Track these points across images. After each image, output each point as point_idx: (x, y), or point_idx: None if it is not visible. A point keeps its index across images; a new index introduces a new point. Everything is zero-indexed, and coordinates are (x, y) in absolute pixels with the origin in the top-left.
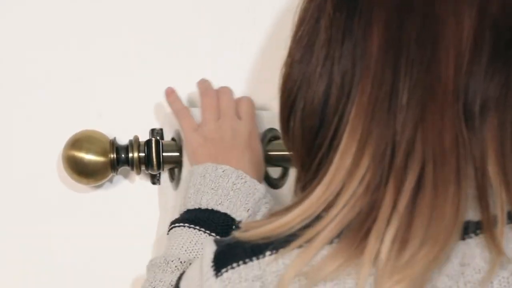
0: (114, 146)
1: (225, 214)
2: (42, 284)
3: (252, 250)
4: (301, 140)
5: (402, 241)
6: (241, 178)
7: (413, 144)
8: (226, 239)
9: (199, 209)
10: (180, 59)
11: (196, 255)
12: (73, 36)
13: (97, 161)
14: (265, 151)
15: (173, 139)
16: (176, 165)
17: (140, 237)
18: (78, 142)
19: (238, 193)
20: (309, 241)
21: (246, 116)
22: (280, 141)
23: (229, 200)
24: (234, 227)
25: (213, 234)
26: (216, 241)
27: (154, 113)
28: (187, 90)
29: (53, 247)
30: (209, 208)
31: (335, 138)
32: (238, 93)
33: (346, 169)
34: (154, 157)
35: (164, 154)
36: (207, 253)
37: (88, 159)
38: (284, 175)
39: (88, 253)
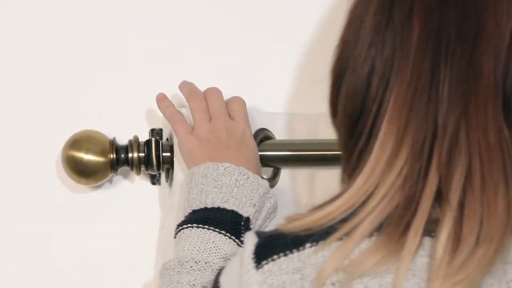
0: (113, 146)
1: (232, 211)
2: (42, 284)
3: (293, 242)
4: (344, 126)
5: (455, 240)
6: (244, 175)
7: (456, 138)
8: (268, 231)
9: (205, 208)
10: (180, 59)
11: (209, 254)
12: (73, 35)
13: (97, 161)
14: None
15: (167, 139)
16: (170, 164)
17: (140, 238)
18: (78, 142)
19: (243, 190)
20: (348, 234)
21: (238, 116)
22: (272, 141)
23: (234, 197)
24: (242, 223)
25: (222, 232)
26: (257, 233)
27: (154, 113)
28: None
29: (53, 247)
30: (215, 206)
31: (375, 126)
32: (236, 93)
33: (385, 159)
34: (154, 157)
35: (163, 154)
36: (248, 245)
37: (88, 159)
38: (275, 175)
39: (87, 253)
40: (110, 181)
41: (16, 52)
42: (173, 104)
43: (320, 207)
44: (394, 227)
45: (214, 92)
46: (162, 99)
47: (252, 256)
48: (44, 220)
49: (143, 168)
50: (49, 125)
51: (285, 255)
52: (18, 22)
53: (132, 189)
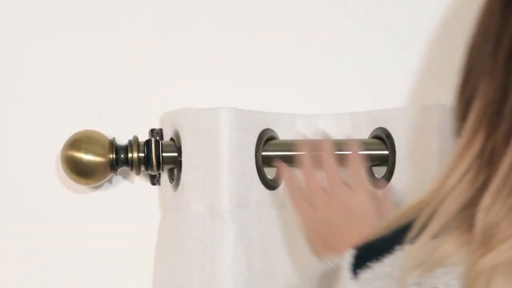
0: (113, 146)
1: None
2: (41, 285)
3: (385, 245)
4: (454, 111)
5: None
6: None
7: None
8: (366, 239)
9: None
10: (180, 59)
11: None
12: (73, 35)
13: (96, 162)
14: (261, 151)
15: (171, 139)
16: (175, 165)
17: (139, 238)
18: (77, 142)
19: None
20: (424, 227)
21: (356, 179)
22: (276, 141)
23: None
24: None
25: None
26: (354, 246)
27: (154, 113)
28: (186, 89)
29: (52, 248)
30: None
31: (468, 111)
32: (236, 93)
33: (468, 141)
34: (154, 158)
35: (163, 154)
36: (346, 257)
37: (87, 159)
38: (280, 176)
39: (87, 253)
40: (110, 181)
41: (16, 52)
42: (295, 177)
43: (419, 196)
44: (464, 214)
45: (326, 161)
46: (287, 174)
47: (350, 267)
48: (43, 220)
49: (142, 169)
50: (48, 125)
51: (378, 260)
52: (18, 22)
53: (132, 189)
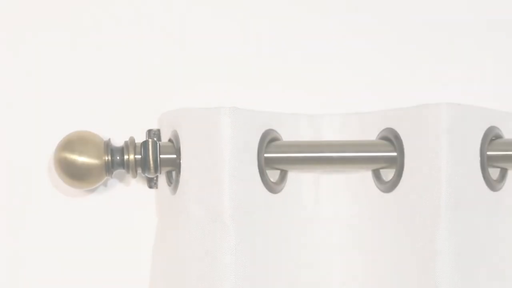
0: (108, 148)
1: None
2: None
3: None
4: None
5: None
6: None
7: None
8: None
9: None
10: (178, 57)
11: None
12: (67, 33)
13: (91, 164)
14: (264, 153)
15: (170, 140)
16: (173, 168)
17: (135, 243)
18: (71, 143)
19: None
20: None
21: None
22: (280, 143)
23: None
24: None
25: None
26: None
27: (151, 113)
28: (185, 88)
29: (45, 253)
30: None
31: None
32: (236, 93)
33: None
34: (151, 159)
35: (161, 156)
36: None
37: (81, 162)
38: (282, 178)
39: (81, 259)
40: (105, 184)
41: (7, 49)
42: None
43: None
44: None
45: None
46: None
47: None
48: (35, 225)
49: (139, 171)
50: (40, 125)
51: None
52: (11, 19)
53: (128, 193)
